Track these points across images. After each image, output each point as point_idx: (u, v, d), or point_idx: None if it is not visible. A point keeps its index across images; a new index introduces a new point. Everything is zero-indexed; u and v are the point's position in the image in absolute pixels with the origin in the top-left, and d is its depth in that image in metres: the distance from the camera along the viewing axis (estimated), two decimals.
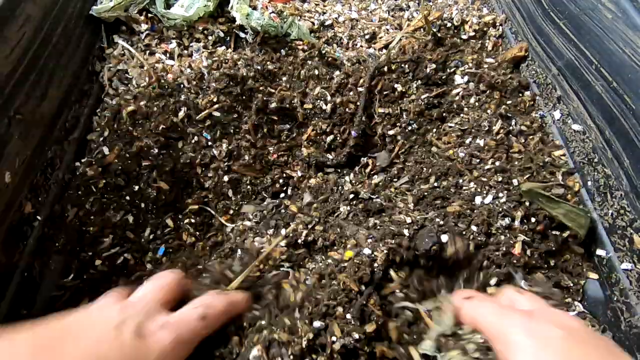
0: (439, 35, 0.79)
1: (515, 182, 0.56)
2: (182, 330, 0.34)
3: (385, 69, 0.72)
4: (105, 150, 0.59)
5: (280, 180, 0.64)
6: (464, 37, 0.81)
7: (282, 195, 0.64)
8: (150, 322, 0.34)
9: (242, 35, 0.74)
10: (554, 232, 0.54)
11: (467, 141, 0.64)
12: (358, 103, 0.69)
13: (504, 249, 0.51)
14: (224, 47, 0.72)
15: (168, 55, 0.71)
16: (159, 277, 0.40)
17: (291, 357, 0.37)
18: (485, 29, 0.83)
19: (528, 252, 0.52)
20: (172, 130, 0.62)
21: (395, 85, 0.70)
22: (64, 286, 0.51)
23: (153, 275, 0.41)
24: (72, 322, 0.33)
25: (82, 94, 0.66)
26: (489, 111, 0.67)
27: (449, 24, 0.82)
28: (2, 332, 0.29)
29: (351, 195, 0.58)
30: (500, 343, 0.35)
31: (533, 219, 0.54)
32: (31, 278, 0.51)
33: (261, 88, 0.67)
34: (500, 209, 0.54)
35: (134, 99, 0.64)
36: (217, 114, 0.64)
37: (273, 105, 0.66)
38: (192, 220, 0.59)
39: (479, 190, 0.57)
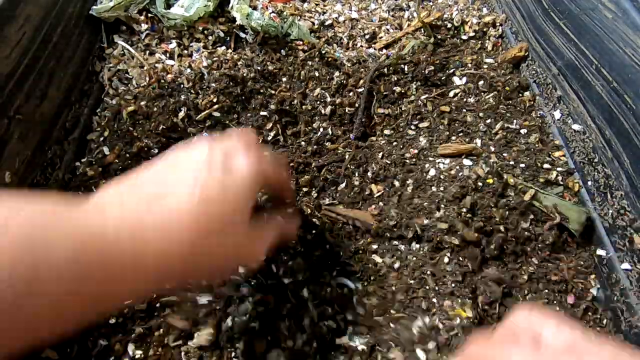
0: (438, 36, 0.79)
1: (512, 181, 0.56)
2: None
3: (385, 70, 0.72)
4: (106, 150, 0.59)
5: None
6: (464, 37, 0.81)
7: None
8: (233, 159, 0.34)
9: (242, 35, 0.74)
10: (553, 232, 0.54)
11: (466, 141, 0.64)
12: (357, 104, 0.69)
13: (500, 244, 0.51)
14: (224, 47, 0.72)
15: (168, 55, 0.71)
16: (239, 133, 0.38)
17: None
18: (485, 29, 0.83)
19: (527, 250, 0.52)
20: (172, 131, 0.62)
21: (395, 87, 0.70)
22: None
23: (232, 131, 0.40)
24: (169, 159, 0.33)
25: (82, 94, 0.66)
26: (489, 111, 0.67)
27: (449, 25, 0.82)
28: (106, 186, 0.31)
29: None
30: None
31: (532, 218, 0.54)
32: None
33: (262, 90, 0.67)
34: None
35: (134, 99, 0.64)
36: (217, 114, 0.64)
37: (273, 106, 0.66)
38: None
39: None
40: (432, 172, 0.58)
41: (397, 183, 0.59)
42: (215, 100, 0.64)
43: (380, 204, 0.57)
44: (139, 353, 0.44)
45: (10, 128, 0.51)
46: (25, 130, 0.53)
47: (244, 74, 0.67)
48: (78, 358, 0.45)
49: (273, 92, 0.68)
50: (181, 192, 0.30)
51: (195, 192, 0.30)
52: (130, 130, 0.61)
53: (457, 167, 0.58)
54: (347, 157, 0.62)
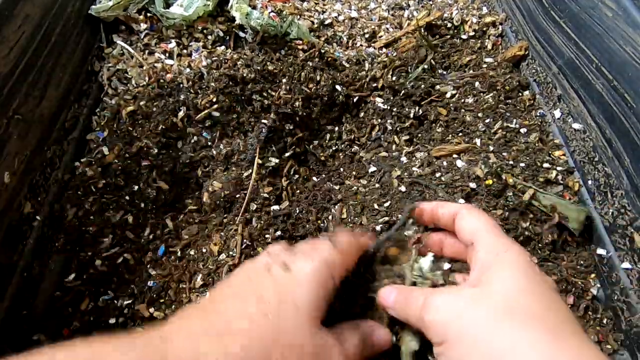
0: (437, 36, 0.79)
1: (511, 181, 0.56)
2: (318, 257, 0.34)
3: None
4: (105, 150, 0.59)
5: None
6: (464, 37, 0.81)
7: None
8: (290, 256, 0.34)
9: (241, 34, 0.74)
10: (552, 231, 0.54)
11: (466, 140, 0.64)
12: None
13: None
14: (223, 47, 0.72)
15: (167, 54, 0.71)
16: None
17: None
18: (485, 28, 0.83)
19: (527, 250, 0.52)
20: (172, 130, 0.62)
21: (396, 87, 0.70)
22: (64, 286, 0.51)
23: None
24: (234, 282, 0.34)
25: (81, 94, 0.66)
26: (488, 111, 0.67)
27: (449, 24, 0.82)
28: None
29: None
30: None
31: (532, 218, 0.54)
32: (31, 278, 0.51)
33: (264, 93, 0.67)
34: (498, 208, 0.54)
35: (134, 99, 0.63)
36: (216, 114, 0.64)
37: (273, 109, 0.66)
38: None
39: None
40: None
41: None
42: (214, 99, 0.64)
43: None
44: None
45: (9, 128, 0.51)
46: (24, 130, 0.53)
47: (244, 74, 0.66)
48: None
49: (273, 93, 0.68)
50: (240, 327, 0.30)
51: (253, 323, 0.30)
52: (129, 130, 0.61)
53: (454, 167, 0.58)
54: None
